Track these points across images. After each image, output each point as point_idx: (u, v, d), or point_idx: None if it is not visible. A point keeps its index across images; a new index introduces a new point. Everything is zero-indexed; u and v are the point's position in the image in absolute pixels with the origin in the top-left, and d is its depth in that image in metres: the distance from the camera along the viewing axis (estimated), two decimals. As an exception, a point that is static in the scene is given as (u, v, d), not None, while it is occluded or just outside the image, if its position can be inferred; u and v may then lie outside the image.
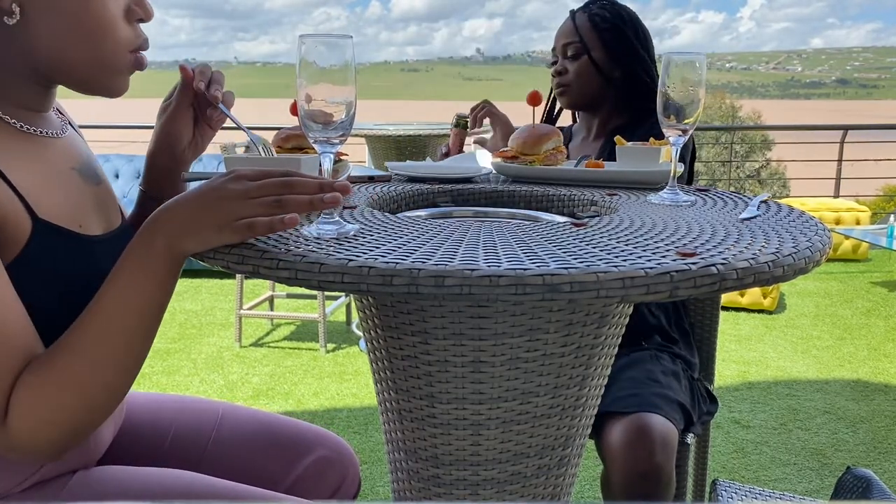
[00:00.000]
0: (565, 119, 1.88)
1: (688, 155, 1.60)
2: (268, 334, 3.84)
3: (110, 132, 6.62)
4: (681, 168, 1.23)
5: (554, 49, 1.73)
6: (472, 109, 1.78)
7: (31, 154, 0.86)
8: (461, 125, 1.75)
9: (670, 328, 1.56)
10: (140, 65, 0.90)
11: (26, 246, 0.80)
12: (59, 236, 0.84)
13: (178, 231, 0.76)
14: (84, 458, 0.95)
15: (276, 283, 3.08)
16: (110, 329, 0.77)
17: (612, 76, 1.67)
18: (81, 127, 1.07)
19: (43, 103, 0.90)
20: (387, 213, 0.98)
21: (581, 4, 1.74)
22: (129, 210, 1.08)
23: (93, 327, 0.77)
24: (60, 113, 0.98)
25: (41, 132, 0.89)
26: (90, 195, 0.93)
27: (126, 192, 5.07)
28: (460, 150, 1.75)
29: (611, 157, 1.48)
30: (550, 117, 1.84)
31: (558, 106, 1.82)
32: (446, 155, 1.72)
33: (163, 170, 1.05)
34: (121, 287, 0.77)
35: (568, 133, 1.81)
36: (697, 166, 1.78)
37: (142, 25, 0.90)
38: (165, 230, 0.76)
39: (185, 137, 1.04)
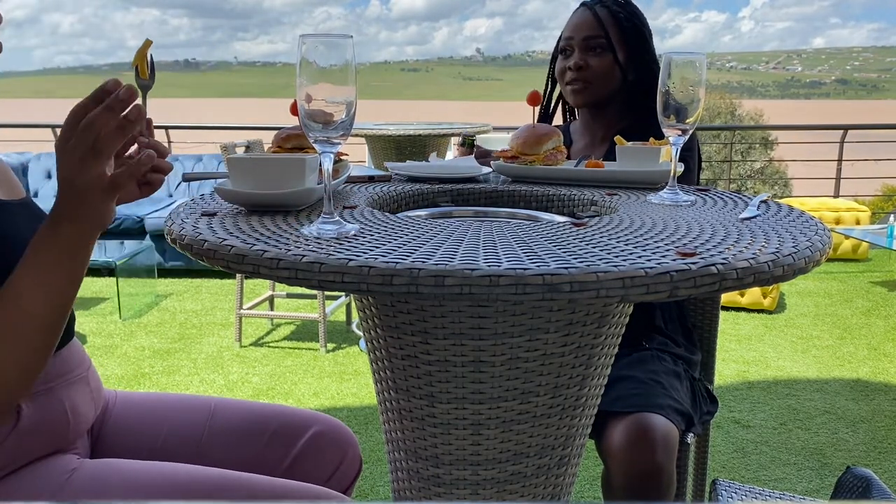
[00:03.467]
0: (556, 119, 1.81)
1: (693, 161, 1.56)
2: (268, 334, 3.84)
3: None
4: (681, 168, 1.22)
5: (568, 40, 1.64)
6: None
7: None
8: (468, 144, 1.71)
9: (671, 328, 1.56)
10: None
11: None
12: None
13: (72, 208, 0.80)
14: (63, 436, 0.95)
15: (277, 283, 3.09)
16: (18, 311, 0.80)
17: (630, 76, 1.63)
18: None
19: None
20: (387, 213, 0.98)
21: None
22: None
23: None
24: None
25: None
26: None
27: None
28: None
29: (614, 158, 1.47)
30: (547, 114, 1.77)
31: (553, 103, 1.79)
32: None
33: None
34: (27, 267, 0.81)
35: (566, 132, 1.75)
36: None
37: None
38: (69, 215, 0.81)
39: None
